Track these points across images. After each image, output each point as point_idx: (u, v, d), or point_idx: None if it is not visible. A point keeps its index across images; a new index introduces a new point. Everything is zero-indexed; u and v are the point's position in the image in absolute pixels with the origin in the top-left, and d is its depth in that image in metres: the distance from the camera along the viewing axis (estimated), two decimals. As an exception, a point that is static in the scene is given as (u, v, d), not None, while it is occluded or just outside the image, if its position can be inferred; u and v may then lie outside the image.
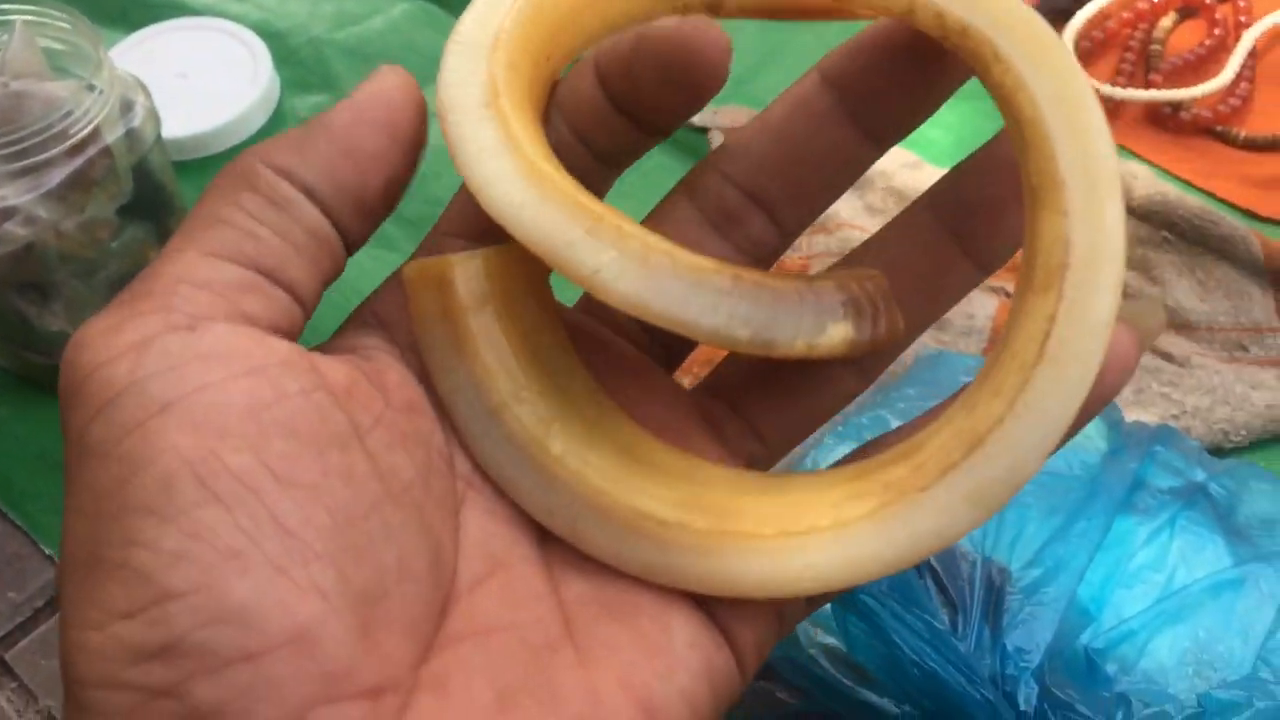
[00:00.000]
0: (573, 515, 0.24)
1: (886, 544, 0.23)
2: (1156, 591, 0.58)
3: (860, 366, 0.30)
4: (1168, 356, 0.78)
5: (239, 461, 0.20)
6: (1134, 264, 0.84)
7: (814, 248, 0.86)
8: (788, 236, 0.30)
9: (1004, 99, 0.24)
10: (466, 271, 0.25)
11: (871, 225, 0.88)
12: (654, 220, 0.29)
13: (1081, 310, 0.23)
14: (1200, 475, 0.64)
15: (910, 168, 0.91)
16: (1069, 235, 0.23)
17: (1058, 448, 0.23)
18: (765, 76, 0.95)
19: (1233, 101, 0.97)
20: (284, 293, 0.23)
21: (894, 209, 0.89)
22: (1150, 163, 0.92)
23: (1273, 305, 0.81)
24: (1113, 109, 0.96)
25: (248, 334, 0.22)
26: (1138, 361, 0.26)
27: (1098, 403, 0.25)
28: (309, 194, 0.24)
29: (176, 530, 0.19)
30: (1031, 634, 0.51)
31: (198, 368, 0.20)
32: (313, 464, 0.20)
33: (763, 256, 0.29)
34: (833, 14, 0.26)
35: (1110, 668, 0.55)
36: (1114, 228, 0.23)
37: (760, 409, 0.28)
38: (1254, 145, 0.95)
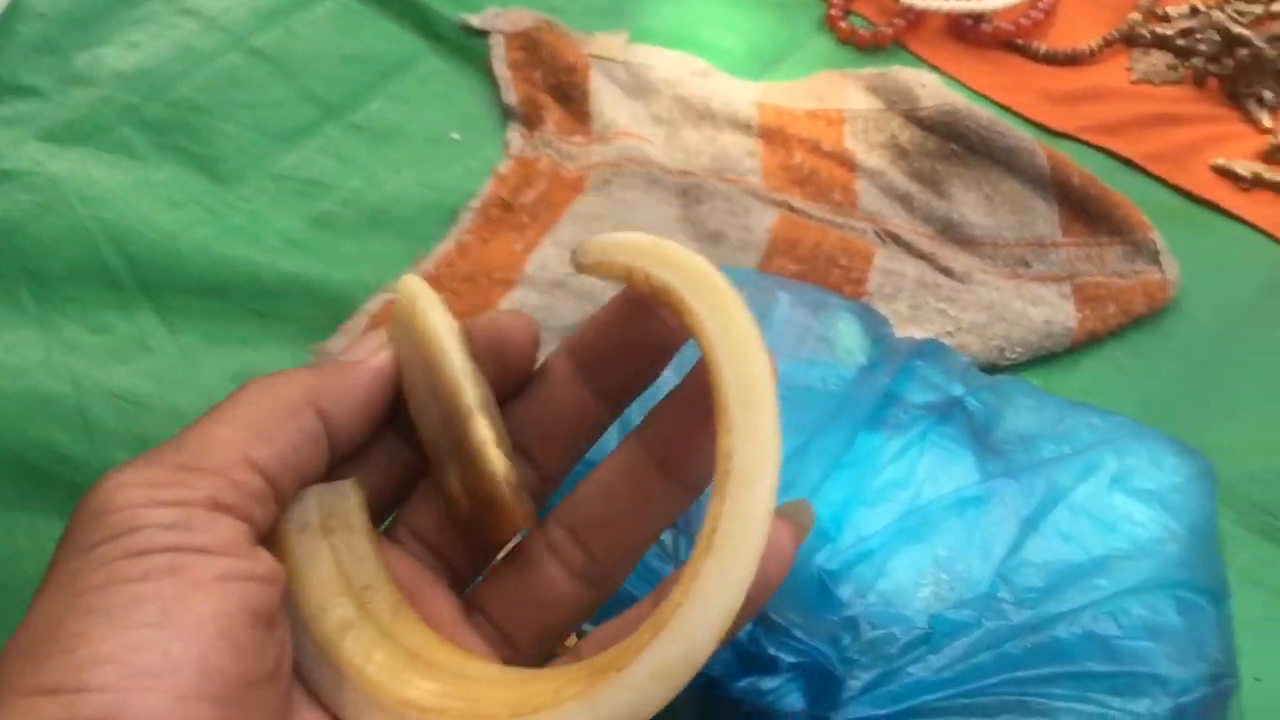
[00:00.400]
0: (359, 708, 0.29)
1: (591, 716, 0.26)
2: (900, 509, 0.54)
3: (581, 575, 0.33)
4: (948, 272, 0.75)
5: (195, 611, 0.25)
6: (923, 178, 0.81)
7: (591, 157, 0.80)
8: (549, 482, 0.34)
9: (696, 339, 0.28)
10: (301, 499, 0.30)
11: (655, 134, 0.83)
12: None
13: (740, 508, 0.26)
14: (959, 390, 0.61)
15: (699, 75, 0.86)
16: (731, 448, 0.27)
17: (734, 630, 0.27)
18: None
19: (1035, 15, 0.94)
20: (275, 508, 0.29)
21: (679, 118, 0.84)
22: (948, 75, 0.89)
23: (1057, 219, 0.79)
24: (915, 20, 0.93)
25: (243, 534, 0.27)
26: (794, 554, 0.30)
27: (764, 591, 0.29)
28: (329, 436, 0.30)
29: (118, 640, 0.24)
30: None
31: (205, 539, 0.26)
32: (224, 641, 0.25)
33: (534, 493, 0.34)
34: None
35: (845, 590, 0.52)
36: (768, 439, 0.26)
37: (502, 615, 0.33)
38: (1053, 60, 0.93)
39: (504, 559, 0.33)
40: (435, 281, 0.72)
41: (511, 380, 0.32)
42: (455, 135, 0.84)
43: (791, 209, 0.78)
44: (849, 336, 0.63)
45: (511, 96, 0.85)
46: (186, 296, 0.74)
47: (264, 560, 0.27)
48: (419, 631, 0.31)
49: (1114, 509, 0.57)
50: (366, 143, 0.84)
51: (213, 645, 0.25)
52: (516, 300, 0.70)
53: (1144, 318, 0.76)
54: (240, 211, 0.79)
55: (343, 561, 0.30)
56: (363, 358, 0.32)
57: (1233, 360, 0.75)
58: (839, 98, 0.85)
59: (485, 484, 0.31)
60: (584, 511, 0.32)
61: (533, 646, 0.33)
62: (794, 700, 0.48)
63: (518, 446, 0.32)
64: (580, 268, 0.31)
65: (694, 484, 0.32)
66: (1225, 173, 0.85)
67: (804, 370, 0.60)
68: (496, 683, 0.29)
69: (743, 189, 0.78)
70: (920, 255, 0.76)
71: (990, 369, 0.70)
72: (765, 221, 0.75)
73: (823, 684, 0.48)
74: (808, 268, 0.73)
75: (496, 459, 0.30)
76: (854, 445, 0.56)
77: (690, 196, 0.76)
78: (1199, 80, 0.92)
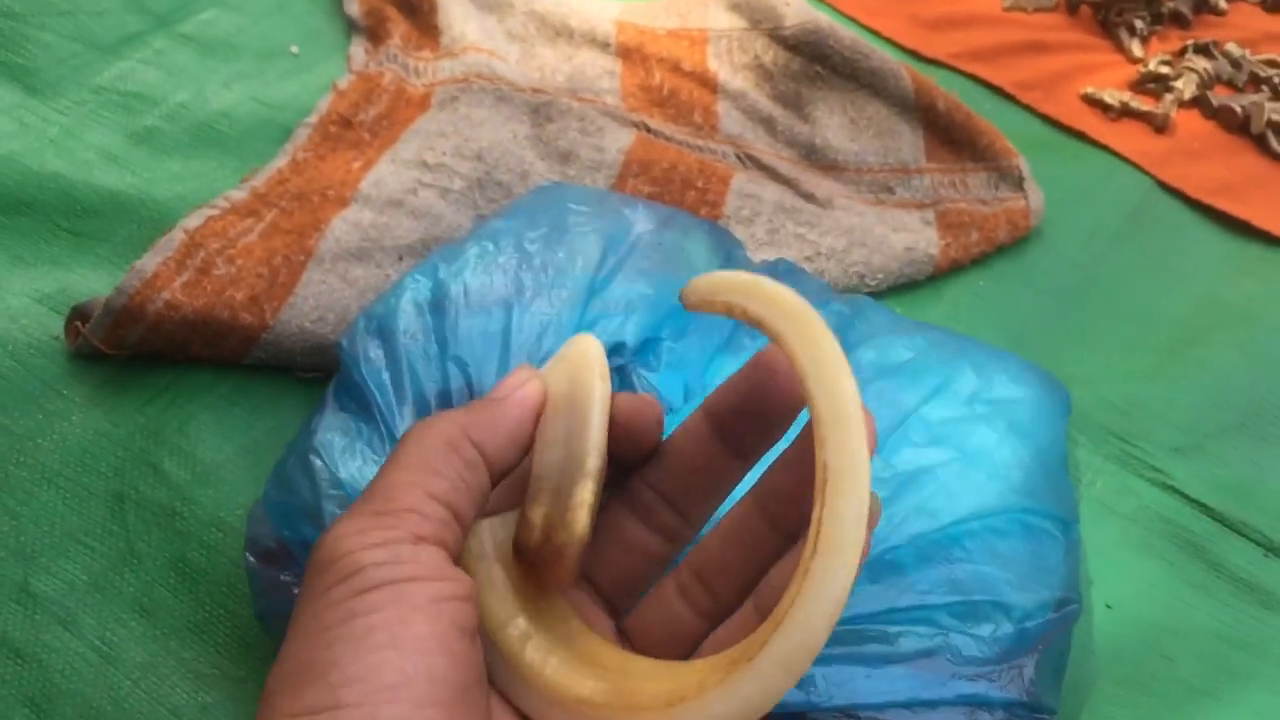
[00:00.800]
0: (541, 705, 0.34)
1: (730, 703, 0.30)
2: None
3: (704, 614, 0.37)
4: (809, 197, 0.72)
5: (416, 631, 0.30)
6: (786, 100, 0.78)
7: (439, 73, 0.76)
8: (689, 528, 0.39)
9: (791, 363, 0.32)
10: (476, 532, 0.36)
11: (509, 51, 0.78)
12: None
13: (839, 514, 0.29)
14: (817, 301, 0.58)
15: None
16: (826, 460, 0.30)
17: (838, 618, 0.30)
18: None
19: (907, -61, 0.91)
20: (460, 529, 0.34)
21: (534, 34, 0.80)
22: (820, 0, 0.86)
23: (922, 145, 0.76)
24: (785, -59, 0.89)
25: (442, 557, 0.32)
26: (870, 541, 0.33)
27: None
28: (486, 462, 0.35)
29: (362, 663, 0.28)
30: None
31: (412, 569, 0.31)
32: (443, 654, 0.30)
33: (670, 537, 0.39)
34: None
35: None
36: (858, 452, 0.30)
37: (642, 642, 0.39)
38: (926, -15, 0.90)
39: (647, 597, 0.38)
40: (264, 200, 0.67)
41: (640, 452, 0.37)
42: (293, 49, 0.79)
43: (649, 130, 0.74)
44: (698, 255, 0.60)
45: (354, 8, 0.79)
46: (-12, 213, 0.67)
47: (463, 580, 0.32)
48: (586, 638, 0.36)
49: (963, 431, 0.55)
50: (196, 55, 0.78)
51: (435, 658, 0.29)
52: (351, 219, 0.65)
53: (1007, 246, 0.74)
54: (55, 125, 0.73)
55: (515, 583, 0.36)
56: (511, 391, 0.36)
57: (1094, 289, 0.74)
58: (702, 16, 0.81)
59: (563, 534, 0.34)
60: (710, 559, 0.37)
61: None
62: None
63: (661, 495, 0.38)
64: (688, 305, 0.35)
65: (795, 534, 0.36)
66: (1094, 102, 0.84)
67: (659, 284, 0.57)
68: (652, 677, 0.33)
69: (598, 109, 0.74)
70: (782, 180, 0.73)
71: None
72: (620, 142, 0.71)
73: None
74: (662, 189, 0.69)
75: (584, 521, 0.34)
76: (712, 369, 0.54)
77: (541, 114, 0.72)
78: (1072, 8, 0.90)
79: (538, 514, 0.35)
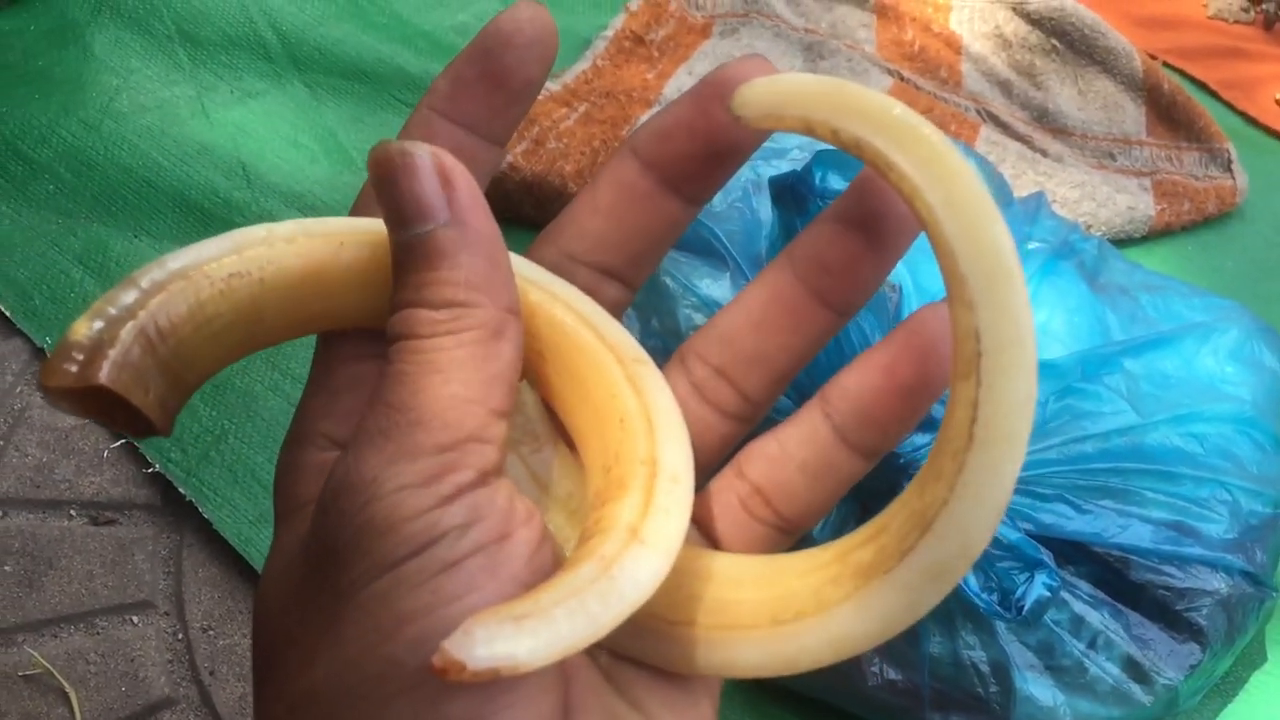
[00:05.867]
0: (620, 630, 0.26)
1: (864, 622, 0.25)
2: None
3: (732, 415, 0.30)
4: (1043, 153, 0.80)
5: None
6: (1021, 68, 0.86)
7: (719, 7, 0.85)
8: (632, 290, 0.31)
9: (906, 202, 0.24)
10: None
11: (777, -4, 0.87)
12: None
13: (1000, 394, 0.23)
14: (1074, 238, 0.67)
15: (821, -51, 0.91)
16: (977, 326, 0.23)
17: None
18: None
19: (1126, -57, 1.00)
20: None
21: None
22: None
23: (1144, 120, 0.85)
24: (1016, -68, 0.98)
25: (510, 491, 0.24)
26: None
27: None
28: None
29: None
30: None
31: (497, 523, 0.23)
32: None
33: (619, 304, 0.31)
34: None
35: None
36: (1020, 313, 0.23)
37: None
38: (1138, -12, 0.99)
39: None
40: (575, 94, 0.76)
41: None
42: (587, -30, 0.88)
43: (903, 79, 0.83)
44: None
45: (645, -60, 0.89)
46: (334, 77, 0.77)
47: (534, 514, 0.25)
48: None
49: (1205, 361, 0.63)
50: (500, -33, 0.88)
51: None
52: (656, 117, 0.74)
53: (1213, 218, 0.82)
54: (385, 12, 0.83)
55: (537, 474, 0.28)
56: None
57: (1286, 268, 0.82)
58: (949, -15, 0.90)
59: None
60: (735, 348, 0.29)
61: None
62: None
63: (609, 269, 0.29)
64: (744, 121, 0.25)
65: (850, 310, 0.29)
66: (1287, 108, 0.92)
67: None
68: (743, 582, 0.27)
69: (860, 54, 0.83)
70: (1018, 137, 0.82)
71: (1077, 240, 0.76)
72: (882, 84, 0.80)
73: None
74: (921, 128, 0.78)
75: None
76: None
77: (814, 52, 0.81)
78: (1269, 24, 0.99)
79: None
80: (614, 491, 0.24)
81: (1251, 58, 0.96)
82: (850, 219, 0.27)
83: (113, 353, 0.23)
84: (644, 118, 0.75)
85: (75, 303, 0.66)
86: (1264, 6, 0.99)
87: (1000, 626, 0.55)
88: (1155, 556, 0.57)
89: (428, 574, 0.22)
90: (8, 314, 0.65)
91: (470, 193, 0.24)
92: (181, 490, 0.60)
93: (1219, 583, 0.57)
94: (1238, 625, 0.58)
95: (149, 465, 0.61)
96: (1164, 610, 0.57)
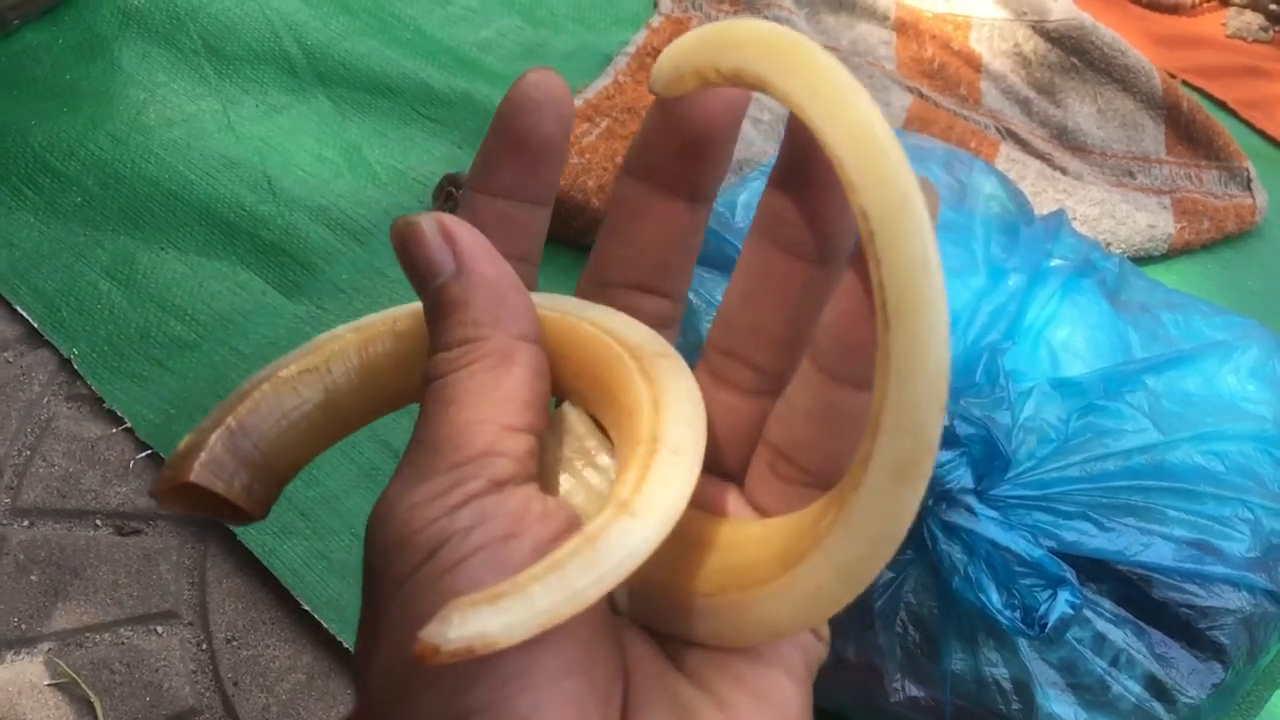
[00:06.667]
0: (658, 608, 0.28)
1: (853, 543, 0.24)
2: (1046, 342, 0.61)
3: (753, 390, 0.31)
4: (1063, 170, 0.81)
5: None
6: (1040, 86, 0.87)
7: None
8: (679, 301, 0.32)
9: (791, 109, 0.24)
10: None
11: (796, 13, 0.88)
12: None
13: (897, 264, 0.23)
14: (1095, 255, 0.67)
15: (841, -33, 0.91)
16: (864, 204, 0.23)
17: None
18: None
19: (1145, -37, 1.00)
20: (539, 442, 0.27)
21: (819, 2, 0.89)
22: (1064, 3, 0.95)
23: (1163, 139, 0.85)
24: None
25: (530, 492, 0.26)
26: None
27: None
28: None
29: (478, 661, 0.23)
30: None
31: (504, 523, 0.25)
32: (579, 625, 0.25)
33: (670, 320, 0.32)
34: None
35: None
36: (901, 179, 0.22)
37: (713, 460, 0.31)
38: (1157, 6, 0.99)
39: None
40: (597, 110, 0.77)
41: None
42: (608, -12, 0.89)
43: (923, 96, 0.83)
44: (989, 186, 0.69)
45: (666, -42, 0.89)
46: (358, 91, 0.78)
47: (559, 510, 0.26)
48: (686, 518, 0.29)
49: (1226, 379, 0.63)
50: (523, -16, 0.89)
51: (564, 627, 0.24)
52: (678, 133, 0.75)
53: (1232, 236, 0.82)
54: (409, 28, 0.83)
55: (598, 488, 0.28)
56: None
57: (1306, 285, 0.82)
58: (969, 4, 0.90)
59: None
60: (733, 325, 0.30)
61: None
62: (962, 475, 0.54)
63: (640, 285, 0.30)
64: (660, 95, 0.26)
65: (827, 256, 0.29)
66: (1306, 126, 0.92)
67: (952, 217, 0.66)
68: (760, 542, 0.27)
69: (880, 71, 0.83)
70: (1038, 154, 0.82)
71: (1097, 258, 0.76)
72: (902, 100, 0.81)
73: (989, 462, 0.54)
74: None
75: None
76: (1001, 285, 0.63)
77: (834, 69, 0.82)
78: (1287, 43, 0.99)
79: None
80: (617, 475, 0.25)
81: (1270, 76, 0.96)
82: (785, 168, 0.28)
83: (202, 454, 0.26)
84: (666, 134, 0.75)
85: (102, 314, 0.66)
86: (1283, 25, 1.00)
87: (1023, 643, 0.55)
88: (1177, 574, 0.57)
89: (435, 577, 0.24)
90: (35, 325, 0.66)
91: (472, 243, 0.27)
92: (206, 501, 0.60)
93: (1241, 601, 0.57)
94: (1259, 644, 0.58)
95: (174, 476, 0.61)
96: (1186, 628, 0.57)
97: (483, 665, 0.23)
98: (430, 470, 0.25)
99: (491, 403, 0.26)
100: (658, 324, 0.29)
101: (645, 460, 0.25)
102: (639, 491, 0.24)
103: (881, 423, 0.23)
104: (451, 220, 0.26)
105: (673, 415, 0.26)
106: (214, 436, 0.26)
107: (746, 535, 0.28)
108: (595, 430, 0.29)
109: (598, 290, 0.30)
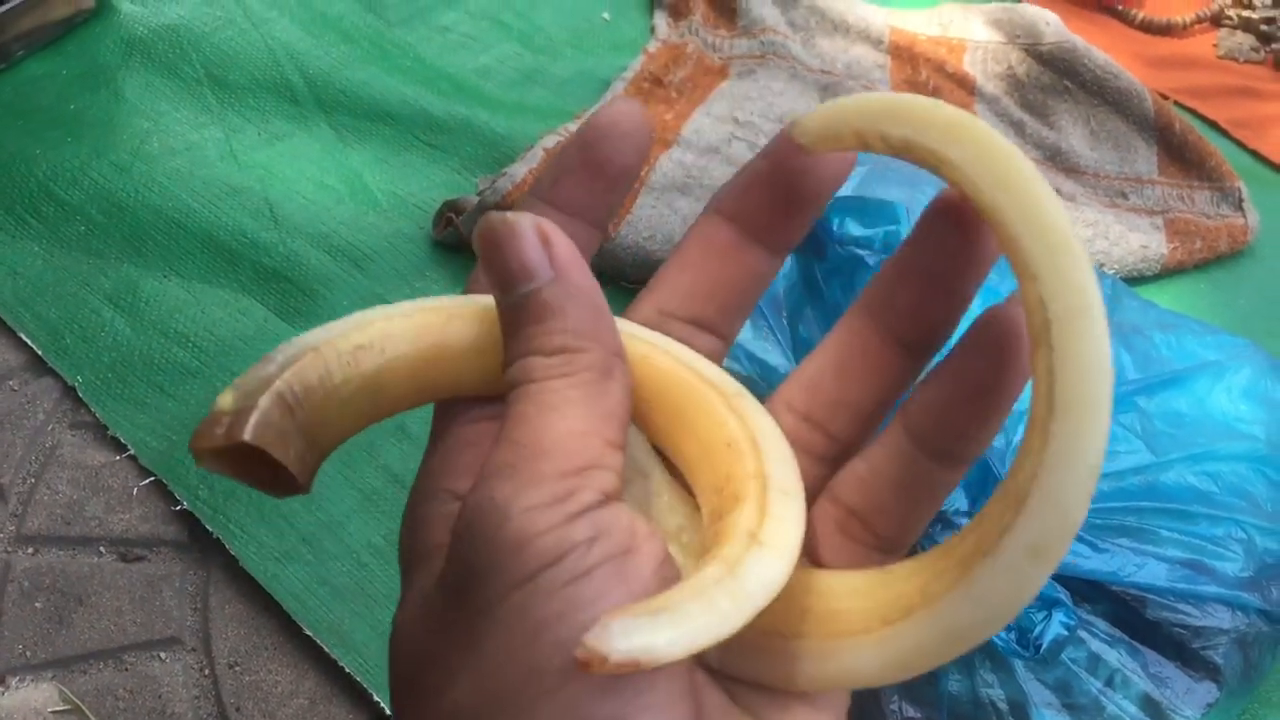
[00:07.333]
0: (728, 649, 0.27)
1: (973, 608, 0.25)
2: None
3: (821, 457, 0.31)
4: (1057, 191, 0.81)
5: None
6: (1033, 108, 0.88)
7: (736, 49, 0.86)
8: (727, 342, 0.33)
9: (965, 196, 0.25)
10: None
11: (792, 38, 0.89)
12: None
13: (1074, 356, 0.24)
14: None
15: (835, -9, 0.92)
16: (1042, 294, 0.24)
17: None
18: None
19: (1136, -15, 1.01)
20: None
21: (815, 26, 0.90)
22: (1056, 26, 0.96)
23: (1156, 160, 0.86)
24: (1028, -27, 1.00)
25: (630, 512, 0.26)
26: None
27: None
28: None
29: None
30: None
31: (622, 538, 0.25)
32: None
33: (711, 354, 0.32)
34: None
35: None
36: (1083, 279, 0.24)
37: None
38: (1149, 27, 1.00)
39: None
40: (594, 136, 0.78)
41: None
42: (605, 15, 0.90)
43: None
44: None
45: (662, -15, 0.90)
46: (359, 119, 0.79)
47: (656, 531, 0.26)
48: None
49: (1219, 399, 0.64)
50: (521, 10, 0.89)
51: None
52: (675, 158, 0.75)
53: (1225, 257, 0.83)
54: (409, 55, 0.84)
55: (647, 510, 0.29)
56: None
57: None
58: (963, 28, 0.91)
59: None
60: (819, 394, 0.31)
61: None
62: (956, 498, 0.55)
63: (700, 321, 0.31)
64: (804, 149, 0.27)
65: (929, 350, 0.30)
66: (1298, 146, 0.93)
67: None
68: (849, 594, 0.27)
69: (874, 95, 0.84)
70: (1030, 175, 0.83)
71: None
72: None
73: (982, 485, 0.55)
74: (935, 168, 0.80)
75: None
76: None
77: (830, 93, 0.83)
78: (1279, 63, 1.00)
79: None
80: (729, 505, 0.25)
81: (1262, 97, 0.97)
82: (915, 261, 0.29)
83: (255, 415, 0.25)
84: (663, 158, 0.76)
85: (105, 341, 0.67)
86: (1274, 46, 1.01)
87: (1018, 665, 0.55)
88: (1171, 595, 0.57)
89: (560, 583, 0.24)
90: (40, 353, 0.67)
91: (569, 252, 0.26)
92: (209, 527, 0.61)
93: (1235, 621, 0.58)
94: (1254, 663, 0.59)
95: (177, 503, 0.62)
96: (1180, 649, 0.57)
97: (610, 681, 0.23)
98: (540, 475, 0.25)
99: (595, 416, 0.26)
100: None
101: (760, 496, 0.25)
102: (763, 525, 0.24)
103: (1028, 501, 0.24)
104: (549, 225, 0.26)
105: (774, 455, 0.26)
106: (265, 399, 0.25)
107: (830, 583, 0.28)
108: (651, 454, 0.30)
109: (657, 318, 0.30)
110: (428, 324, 0.28)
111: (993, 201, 0.24)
